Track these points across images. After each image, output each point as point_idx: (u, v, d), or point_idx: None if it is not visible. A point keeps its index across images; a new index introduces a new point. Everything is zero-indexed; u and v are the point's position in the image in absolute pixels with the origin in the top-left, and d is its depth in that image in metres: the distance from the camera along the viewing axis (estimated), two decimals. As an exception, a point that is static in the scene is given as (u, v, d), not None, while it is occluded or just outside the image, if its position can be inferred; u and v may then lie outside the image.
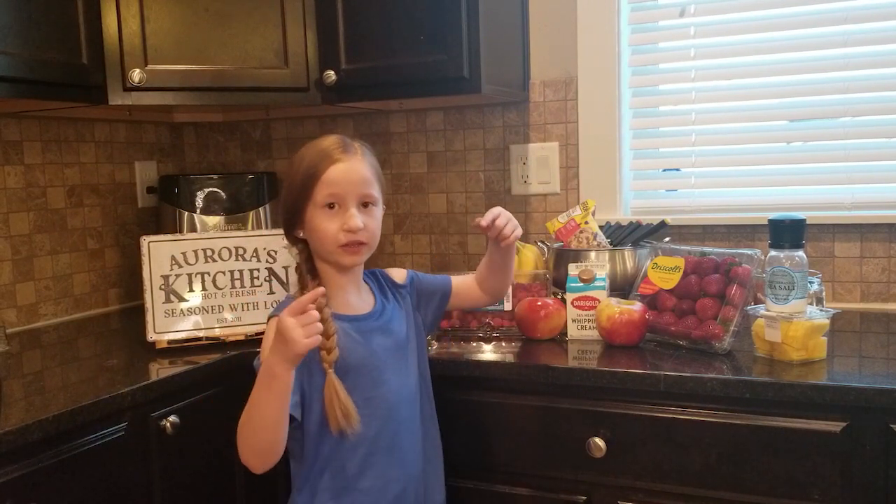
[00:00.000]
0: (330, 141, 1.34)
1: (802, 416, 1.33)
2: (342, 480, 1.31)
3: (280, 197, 1.38)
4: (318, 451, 1.31)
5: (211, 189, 2.26)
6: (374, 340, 1.35)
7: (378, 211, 1.36)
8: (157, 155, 2.49)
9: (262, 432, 1.22)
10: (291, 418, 1.25)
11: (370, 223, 1.33)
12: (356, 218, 1.30)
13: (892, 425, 1.29)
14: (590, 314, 1.65)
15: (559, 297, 1.76)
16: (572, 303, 1.66)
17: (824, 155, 1.97)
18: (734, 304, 1.51)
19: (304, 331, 1.13)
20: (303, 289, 1.35)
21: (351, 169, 1.31)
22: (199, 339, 1.75)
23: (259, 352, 1.32)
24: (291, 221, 1.35)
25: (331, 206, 1.30)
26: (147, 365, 1.63)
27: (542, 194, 2.21)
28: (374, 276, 1.47)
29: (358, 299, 1.40)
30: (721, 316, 1.52)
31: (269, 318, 1.32)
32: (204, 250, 1.79)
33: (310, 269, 1.36)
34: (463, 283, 1.55)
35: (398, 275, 1.49)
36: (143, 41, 1.86)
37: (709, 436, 1.39)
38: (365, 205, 1.33)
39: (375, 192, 1.34)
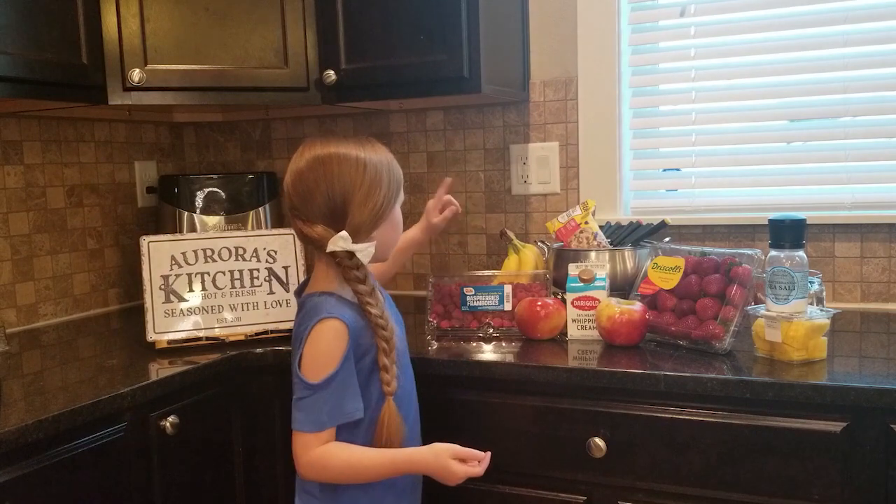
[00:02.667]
0: (378, 141, 1.37)
1: (802, 416, 1.33)
2: None
3: (365, 199, 1.30)
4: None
5: (211, 189, 2.26)
6: (398, 325, 1.38)
7: None
8: (156, 155, 2.49)
9: (362, 481, 1.31)
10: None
11: None
12: None
13: (892, 425, 1.29)
14: (590, 314, 1.65)
15: (559, 297, 1.76)
16: (572, 303, 1.66)
17: (824, 155, 1.97)
18: (734, 304, 1.51)
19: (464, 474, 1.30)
20: (368, 295, 1.30)
21: None
22: (199, 339, 1.75)
23: (299, 357, 1.28)
24: (371, 224, 1.31)
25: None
26: (147, 365, 1.63)
27: (542, 194, 2.21)
28: None
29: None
30: (721, 316, 1.51)
31: (320, 320, 1.27)
32: (204, 250, 1.79)
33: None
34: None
35: None
36: (143, 41, 1.86)
37: (709, 436, 1.39)
38: None
39: None
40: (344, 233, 1.28)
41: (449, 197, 1.73)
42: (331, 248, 1.28)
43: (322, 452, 1.26)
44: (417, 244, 1.76)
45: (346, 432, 1.29)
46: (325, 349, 1.27)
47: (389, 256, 1.44)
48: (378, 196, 1.30)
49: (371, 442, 1.30)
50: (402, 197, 1.37)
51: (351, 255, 1.29)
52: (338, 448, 1.27)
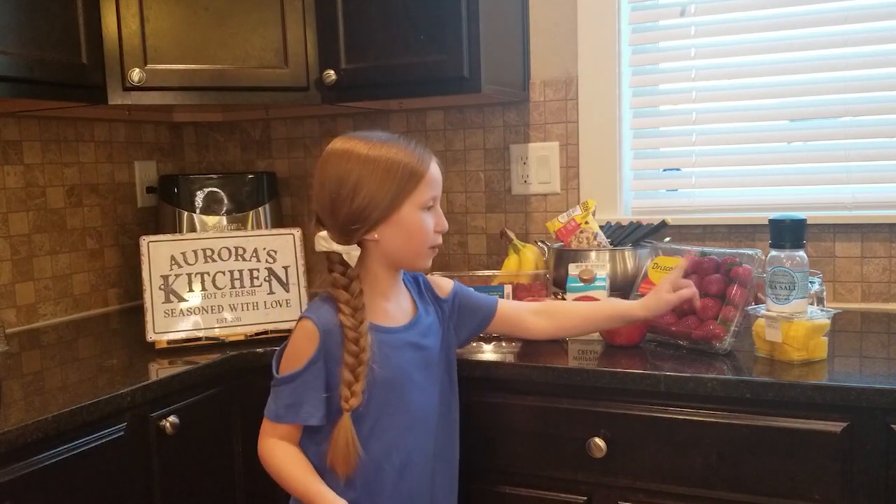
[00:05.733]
0: (407, 139, 1.29)
1: (803, 417, 1.33)
2: (349, 492, 1.28)
3: (350, 195, 1.24)
4: (327, 465, 1.28)
5: (210, 189, 2.26)
6: (405, 355, 1.31)
7: None
8: (156, 155, 2.49)
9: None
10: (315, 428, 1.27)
11: None
12: (445, 220, 1.31)
13: (892, 425, 1.29)
14: (590, 314, 1.64)
15: (559, 297, 1.76)
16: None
17: (824, 155, 1.97)
18: (735, 304, 1.51)
19: None
20: (346, 303, 1.25)
21: (439, 170, 1.31)
22: (199, 339, 1.75)
23: (281, 350, 1.30)
24: (373, 221, 1.25)
25: (428, 206, 1.28)
26: (147, 365, 1.63)
27: (542, 194, 2.21)
28: (416, 282, 1.41)
29: (396, 307, 1.35)
30: (721, 316, 1.51)
31: (301, 317, 1.28)
32: (203, 250, 1.79)
33: (361, 281, 1.28)
34: (511, 310, 1.48)
35: (443, 287, 1.44)
36: (143, 41, 1.86)
37: (709, 436, 1.39)
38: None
39: None
40: (323, 232, 1.26)
41: (688, 282, 1.46)
42: (317, 248, 1.27)
43: (269, 448, 1.27)
44: (628, 318, 1.49)
45: (307, 438, 1.29)
46: (293, 346, 1.27)
47: (416, 265, 1.33)
48: (365, 193, 1.23)
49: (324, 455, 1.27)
50: (419, 198, 1.26)
51: (340, 256, 1.26)
52: (281, 452, 1.27)
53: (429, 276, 1.45)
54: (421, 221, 1.27)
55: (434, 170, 1.29)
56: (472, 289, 1.49)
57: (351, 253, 1.26)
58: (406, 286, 1.39)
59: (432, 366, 1.36)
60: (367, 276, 1.30)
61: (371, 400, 1.26)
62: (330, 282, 1.28)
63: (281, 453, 1.27)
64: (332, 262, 1.27)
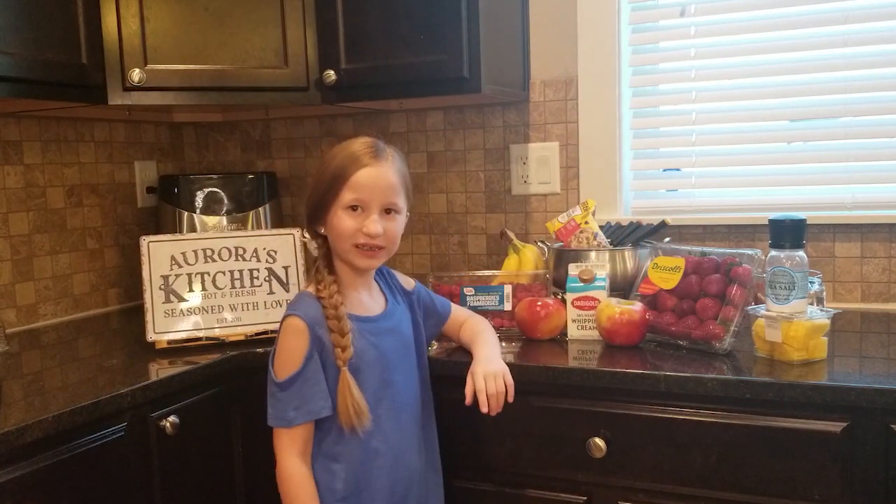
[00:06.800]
0: (362, 143, 1.35)
1: (803, 417, 1.33)
2: (351, 480, 1.33)
3: (307, 190, 1.40)
4: (328, 452, 1.33)
5: (211, 189, 2.26)
6: (385, 341, 1.38)
7: (401, 218, 1.38)
8: (156, 155, 2.49)
9: None
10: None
11: (390, 229, 1.35)
12: (376, 224, 1.32)
13: (892, 425, 1.29)
14: (590, 314, 1.64)
15: (559, 297, 1.76)
16: (572, 303, 1.66)
17: (825, 155, 1.97)
18: (734, 305, 1.51)
19: None
20: (318, 283, 1.35)
21: (378, 175, 1.33)
22: (199, 339, 1.75)
23: (272, 353, 1.33)
24: (315, 217, 1.37)
25: (354, 208, 1.32)
26: (147, 365, 1.63)
27: (542, 194, 2.21)
28: (383, 275, 1.49)
29: (370, 299, 1.42)
30: (721, 316, 1.51)
31: (284, 318, 1.33)
32: (203, 250, 1.79)
33: (327, 266, 1.38)
34: (454, 321, 1.58)
35: (406, 282, 1.53)
36: (143, 41, 1.86)
37: (709, 436, 1.39)
38: (388, 211, 1.35)
39: (400, 200, 1.36)
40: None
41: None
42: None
43: (290, 473, 1.30)
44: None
45: (318, 430, 1.33)
46: (286, 347, 1.31)
47: (351, 263, 1.36)
48: (308, 192, 1.37)
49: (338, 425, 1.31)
50: (342, 200, 1.32)
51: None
52: (308, 486, 1.30)
53: (394, 271, 1.53)
54: (339, 221, 1.33)
55: (365, 174, 1.32)
56: (431, 292, 1.58)
57: (310, 244, 1.40)
58: (376, 281, 1.46)
59: (410, 352, 1.44)
60: (337, 266, 1.38)
61: (363, 385, 1.31)
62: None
63: (308, 487, 1.30)
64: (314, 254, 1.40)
